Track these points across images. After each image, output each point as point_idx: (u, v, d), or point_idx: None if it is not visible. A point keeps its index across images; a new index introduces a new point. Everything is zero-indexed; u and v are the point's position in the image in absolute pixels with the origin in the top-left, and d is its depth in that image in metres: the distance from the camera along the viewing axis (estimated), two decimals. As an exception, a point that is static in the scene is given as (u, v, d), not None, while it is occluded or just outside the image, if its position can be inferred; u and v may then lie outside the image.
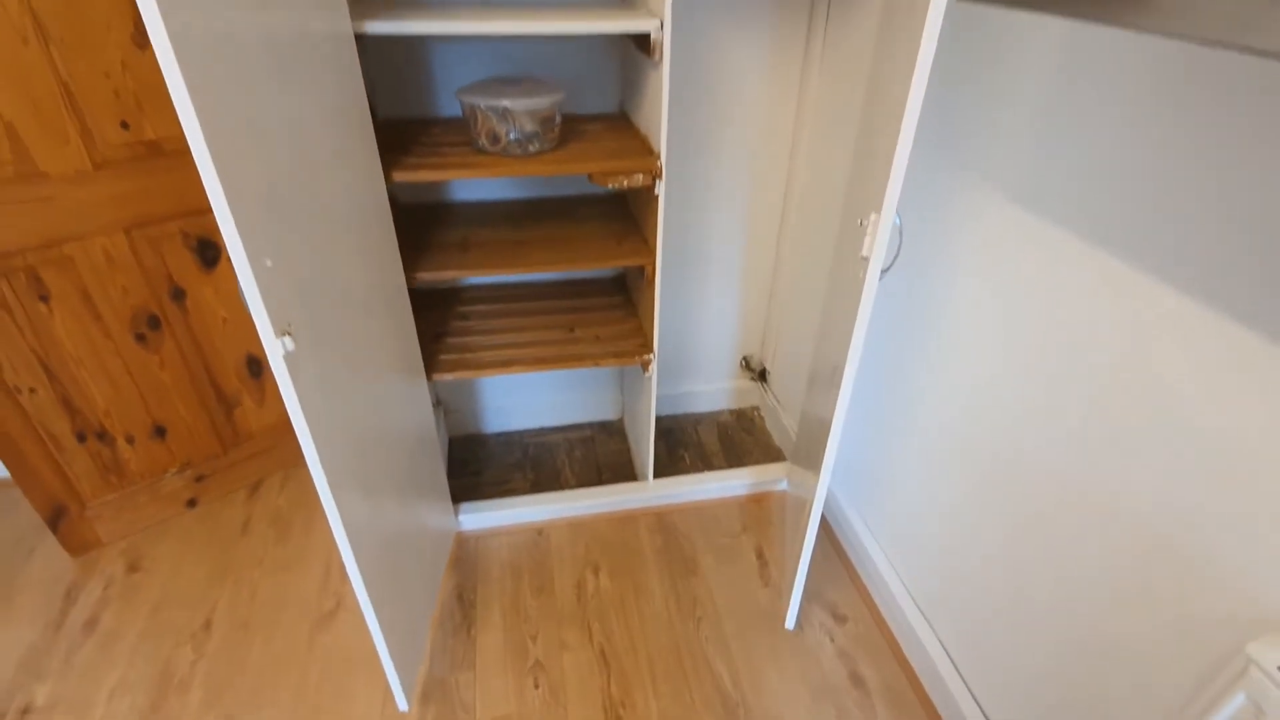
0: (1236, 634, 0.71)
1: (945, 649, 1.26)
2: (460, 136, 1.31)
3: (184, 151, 1.37)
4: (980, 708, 1.17)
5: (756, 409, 2.08)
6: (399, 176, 1.14)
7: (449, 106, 1.44)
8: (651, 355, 1.44)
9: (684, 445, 1.93)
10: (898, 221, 1.17)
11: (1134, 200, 0.79)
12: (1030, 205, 0.94)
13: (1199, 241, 0.72)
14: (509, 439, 1.94)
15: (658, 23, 1.09)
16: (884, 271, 0.93)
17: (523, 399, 1.93)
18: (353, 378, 0.97)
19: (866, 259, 0.90)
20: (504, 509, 1.62)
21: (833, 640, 1.40)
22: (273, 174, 0.74)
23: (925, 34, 0.70)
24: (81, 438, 1.46)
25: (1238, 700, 0.68)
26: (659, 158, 1.20)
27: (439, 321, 1.54)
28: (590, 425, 2.00)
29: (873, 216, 0.88)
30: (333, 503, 0.87)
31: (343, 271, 0.94)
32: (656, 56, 1.12)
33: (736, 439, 1.96)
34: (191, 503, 1.68)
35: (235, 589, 1.49)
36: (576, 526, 1.65)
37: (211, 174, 0.63)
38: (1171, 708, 0.80)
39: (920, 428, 1.28)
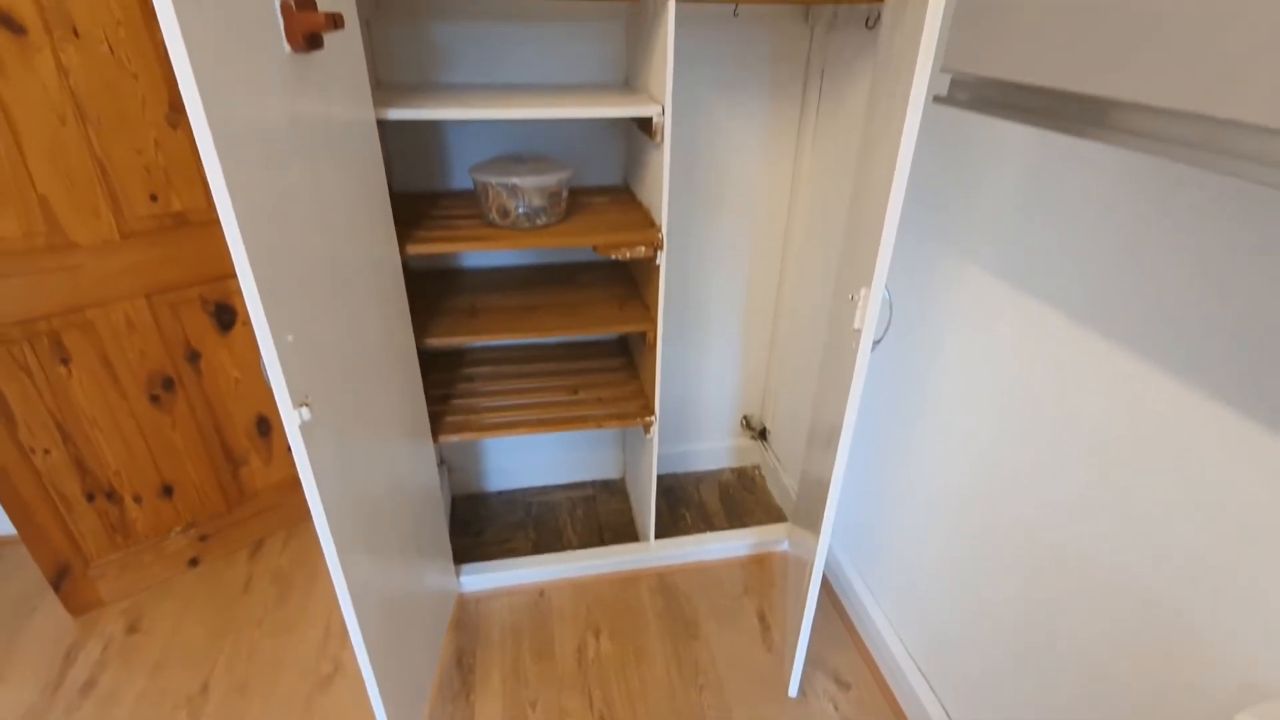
0: (1225, 702, 0.72)
1: (947, 713, 1.24)
2: (471, 209, 1.38)
3: (208, 222, 1.44)
4: (987, 781, 1.15)
5: (757, 467, 2.09)
6: (413, 249, 1.19)
7: (462, 179, 1.52)
8: (653, 418, 1.47)
9: (685, 504, 1.94)
10: (887, 295, 1.22)
11: (1111, 276, 0.83)
12: (1014, 280, 0.98)
13: (1175, 316, 0.76)
14: (511, 497, 1.95)
15: (659, 108, 1.16)
16: (876, 343, 0.97)
17: (526, 458, 1.95)
18: (363, 441, 1.00)
19: (859, 331, 0.94)
20: (506, 570, 1.62)
21: (836, 708, 1.38)
22: (298, 250, 0.79)
23: (904, 139, 0.76)
24: (91, 497, 1.48)
25: (1234, 774, 0.68)
26: (660, 230, 1.26)
27: (445, 382, 1.58)
28: (593, 484, 2.02)
29: (863, 291, 0.92)
30: (340, 570, 0.89)
31: (358, 339, 0.98)
32: (658, 139, 1.19)
33: (738, 498, 1.97)
34: (194, 562, 1.68)
35: (234, 650, 1.48)
36: (578, 587, 1.65)
37: (243, 257, 0.67)
38: (1174, 783, 0.79)
39: (918, 490, 1.29)
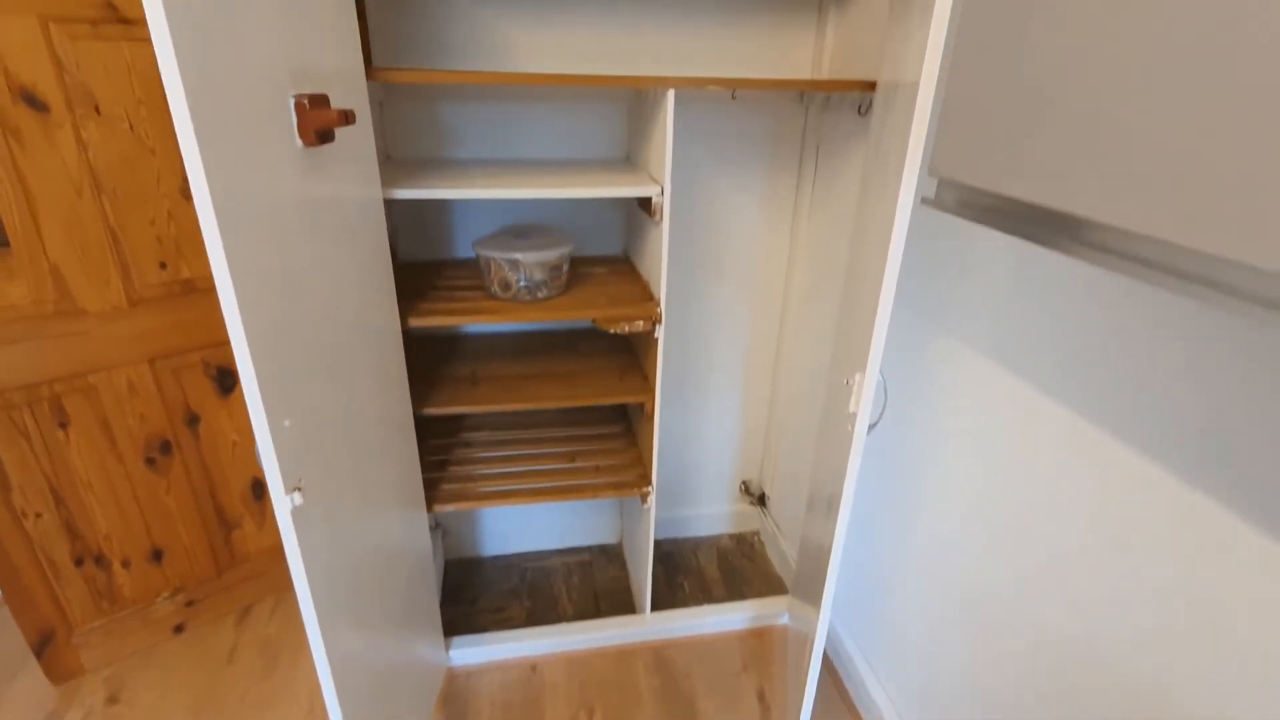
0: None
1: (956, 813, 1.19)
2: (475, 279, 1.41)
3: (214, 289, 1.46)
4: None
5: (756, 533, 2.06)
6: (415, 321, 1.21)
7: (467, 248, 1.55)
8: (650, 488, 1.46)
9: (683, 571, 1.91)
10: (882, 379, 1.23)
11: (1099, 364, 0.84)
12: (1008, 363, 0.99)
13: (1159, 406, 0.76)
14: (507, 563, 1.92)
15: (659, 188, 1.20)
16: (872, 426, 0.97)
17: (523, 522, 1.93)
18: (356, 516, 0.99)
19: (854, 415, 0.95)
20: (497, 643, 1.58)
21: (838, 798, 1.32)
22: (300, 332, 0.80)
23: (892, 243, 0.78)
24: (79, 562, 1.46)
25: None
26: (658, 305, 1.28)
27: (443, 447, 1.58)
28: (589, 549, 1.99)
29: (858, 377, 0.93)
30: (324, 652, 0.87)
31: (356, 414, 0.99)
32: (657, 217, 1.22)
33: (736, 565, 1.94)
34: (179, 628, 1.65)
35: (215, 726, 1.44)
36: (572, 662, 1.61)
37: (243, 343, 0.68)
38: None
39: (917, 568, 1.27)
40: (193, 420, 1.52)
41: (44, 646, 1.48)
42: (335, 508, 0.91)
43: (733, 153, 1.55)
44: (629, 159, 1.50)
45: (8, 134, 1.17)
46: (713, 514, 2.03)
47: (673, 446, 1.89)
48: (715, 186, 1.58)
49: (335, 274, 0.92)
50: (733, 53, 1.46)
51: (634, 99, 1.43)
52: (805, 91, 1.51)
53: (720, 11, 1.42)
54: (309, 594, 0.83)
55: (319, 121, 0.79)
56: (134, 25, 1.24)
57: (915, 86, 0.76)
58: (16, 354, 1.27)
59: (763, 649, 1.66)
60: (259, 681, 1.54)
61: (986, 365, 1.04)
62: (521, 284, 1.28)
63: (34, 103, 1.18)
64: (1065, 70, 0.58)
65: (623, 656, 1.63)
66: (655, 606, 1.70)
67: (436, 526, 1.81)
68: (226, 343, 1.51)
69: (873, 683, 1.45)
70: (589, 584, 1.85)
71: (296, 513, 0.79)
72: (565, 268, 1.33)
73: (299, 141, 0.79)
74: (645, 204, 1.26)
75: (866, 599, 1.48)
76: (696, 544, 2.02)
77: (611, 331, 1.27)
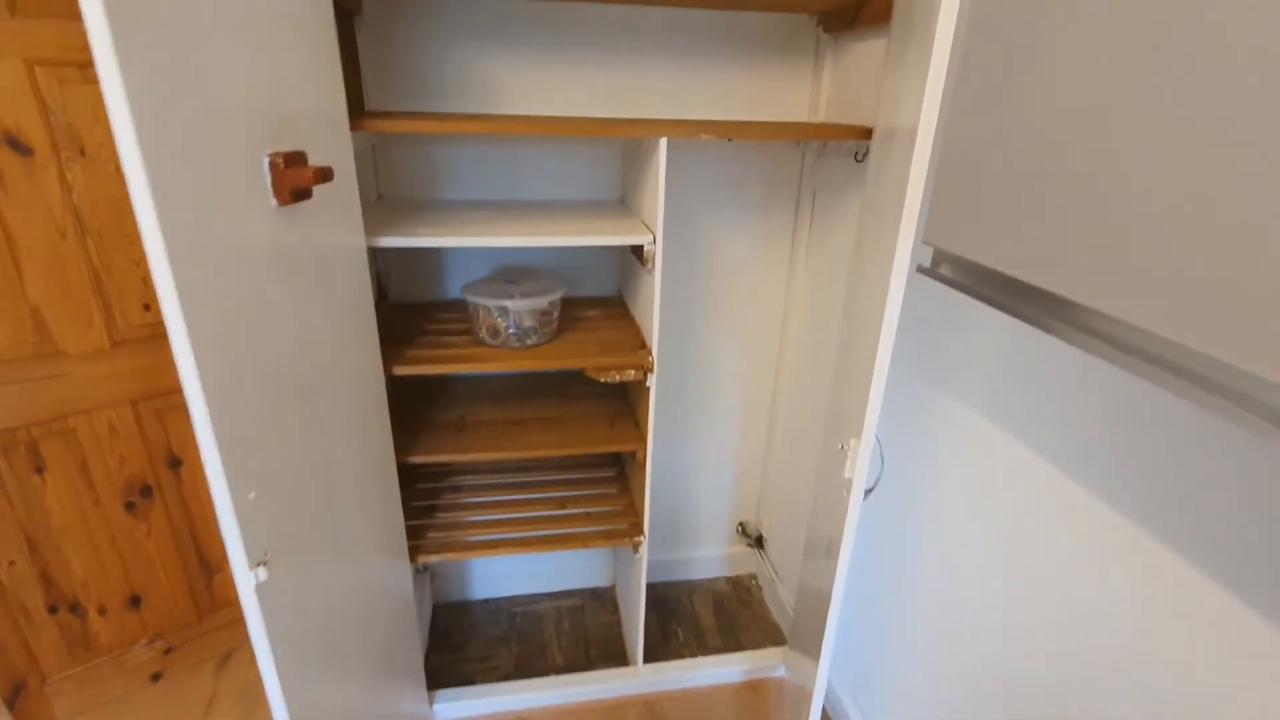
0: None
1: None
2: (463, 323, 1.38)
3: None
4: None
5: (754, 577, 2.01)
6: (399, 370, 1.18)
7: (458, 289, 1.52)
8: (642, 538, 1.41)
9: (677, 618, 1.85)
10: (878, 444, 1.19)
11: (1093, 434, 0.80)
12: (1007, 426, 0.95)
13: (1156, 478, 0.72)
14: (496, 606, 1.87)
15: (651, 236, 1.17)
16: (868, 492, 0.93)
17: (513, 565, 1.88)
18: (329, 575, 0.95)
19: (850, 480, 0.91)
20: (483, 696, 1.53)
21: None
22: (265, 391, 0.76)
23: (886, 315, 0.75)
24: (54, 610, 1.42)
25: None
26: (650, 353, 1.25)
27: (429, 493, 1.54)
28: (581, 592, 1.93)
29: (853, 443, 0.89)
30: (285, 716, 0.82)
31: (332, 467, 0.95)
32: (649, 265, 1.19)
33: (732, 611, 1.88)
34: (156, 676, 1.60)
35: (188, 783, 1.39)
36: (561, 716, 1.55)
37: (203, 411, 0.64)
38: None
39: (916, 627, 1.22)
40: (175, 463, 1.48)
41: (16, 695, 1.43)
42: (306, 571, 0.87)
43: (728, 196, 1.53)
44: (624, 201, 1.48)
45: (-10, 177, 1.15)
46: (709, 556, 1.98)
47: (668, 486, 1.85)
48: (711, 229, 1.56)
49: (310, 329, 0.89)
50: (729, 94, 1.44)
51: (629, 142, 1.41)
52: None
53: (717, 53, 1.40)
54: (272, 664, 0.79)
55: (294, 181, 0.76)
56: (123, 67, 1.23)
57: (912, 135, 0.72)
58: (-7, 398, 1.25)
59: (758, 703, 1.61)
60: (235, 735, 1.49)
61: (985, 425, 1.00)
62: (510, 331, 1.25)
63: (18, 146, 1.16)
64: (1064, 146, 0.55)
65: (613, 710, 1.57)
66: (648, 656, 1.65)
67: (424, 570, 1.76)
68: (211, 383, 1.48)
69: (872, 745, 1.39)
70: (580, 630, 1.80)
71: (261, 589, 0.75)
72: (556, 313, 1.30)
73: (273, 200, 0.76)
74: (638, 251, 1.24)
75: (865, 655, 1.43)
76: (692, 588, 1.97)
77: (603, 380, 1.23)
